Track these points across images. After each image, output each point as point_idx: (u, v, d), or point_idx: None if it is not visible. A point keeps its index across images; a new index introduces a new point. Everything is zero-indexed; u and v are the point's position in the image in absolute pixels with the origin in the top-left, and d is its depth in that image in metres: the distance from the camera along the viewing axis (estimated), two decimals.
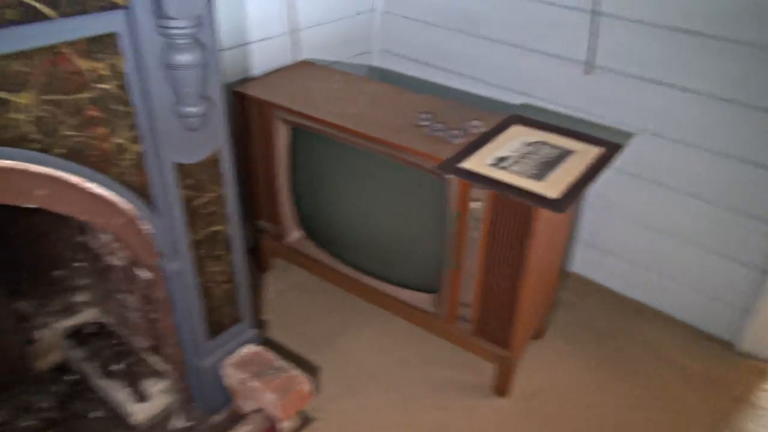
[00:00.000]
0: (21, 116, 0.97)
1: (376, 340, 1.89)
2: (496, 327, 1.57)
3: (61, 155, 1.05)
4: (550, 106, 1.99)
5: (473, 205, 1.42)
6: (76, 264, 1.65)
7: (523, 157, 1.46)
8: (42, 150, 1.02)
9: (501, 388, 1.69)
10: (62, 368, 1.67)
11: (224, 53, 1.82)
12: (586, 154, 1.49)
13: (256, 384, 1.51)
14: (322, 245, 1.91)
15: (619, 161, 1.90)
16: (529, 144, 1.53)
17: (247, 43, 1.92)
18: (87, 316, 1.74)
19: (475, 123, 1.61)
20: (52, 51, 0.96)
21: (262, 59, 1.98)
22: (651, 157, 1.85)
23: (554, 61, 1.92)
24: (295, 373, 1.55)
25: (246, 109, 1.80)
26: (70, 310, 1.70)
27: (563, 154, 1.49)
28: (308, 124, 1.68)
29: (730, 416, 1.66)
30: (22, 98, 0.96)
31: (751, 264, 1.76)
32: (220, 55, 1.19)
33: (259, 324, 1.90)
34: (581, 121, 1.93)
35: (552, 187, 1.34)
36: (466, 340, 1.68)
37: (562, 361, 1.83)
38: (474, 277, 1.53)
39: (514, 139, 1.54)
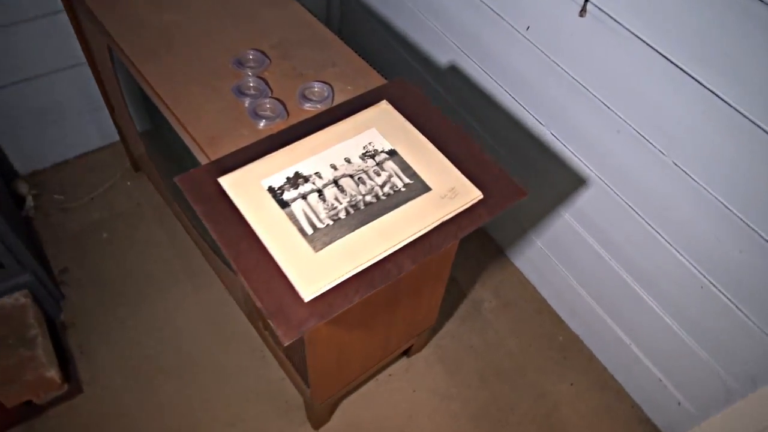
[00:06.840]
0: None
1: None
2: (300, 365, 1.16)
3: None
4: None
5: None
6: None
7: (327, 187, 0.85)
8: None
9: (313, 422, 1.33)
10: None
11: None
12: (456, 197, 0.84)
13: None
14: None
15: None
16: (366, 154, 0.91)
17: None
18: None
19: (318, 87, 0.98)
20: None
21: None
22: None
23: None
24: None
25: None
26: None
27: (407, 195, 0.85)
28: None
29: None
30: None
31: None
32: None
33: None
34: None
35: (320, 273, 0.75)
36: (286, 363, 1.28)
37: (414, 385, 1.42)
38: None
39: (356, 137, 0.91)
